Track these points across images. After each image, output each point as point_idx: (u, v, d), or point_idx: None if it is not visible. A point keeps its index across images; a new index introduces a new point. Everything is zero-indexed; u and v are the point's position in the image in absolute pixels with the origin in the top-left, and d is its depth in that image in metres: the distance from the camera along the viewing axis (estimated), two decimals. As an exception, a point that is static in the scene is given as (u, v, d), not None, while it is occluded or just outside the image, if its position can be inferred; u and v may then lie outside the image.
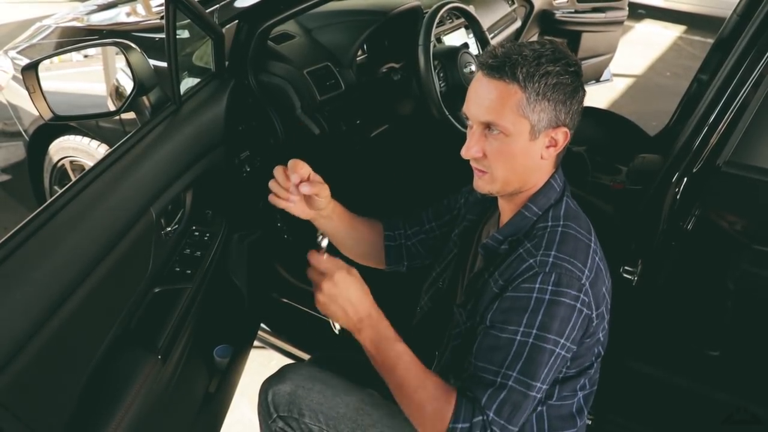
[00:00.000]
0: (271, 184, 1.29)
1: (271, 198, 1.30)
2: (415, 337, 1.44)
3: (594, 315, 1.15)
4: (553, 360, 1.11)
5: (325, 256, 1.15)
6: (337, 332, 1.20)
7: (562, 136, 1.17)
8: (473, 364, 1.14)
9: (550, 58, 1.11)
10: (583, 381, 1.26)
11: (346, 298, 1.13)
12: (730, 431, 1.68)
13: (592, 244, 1.18)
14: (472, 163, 1.21)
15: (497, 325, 1.13)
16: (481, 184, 1.22)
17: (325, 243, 1.20)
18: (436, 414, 1.09)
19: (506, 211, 1.28)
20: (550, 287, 1.10)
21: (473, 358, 1.15)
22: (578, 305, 1.11)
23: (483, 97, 1.14)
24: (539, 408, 1.24)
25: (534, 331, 1.09)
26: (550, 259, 1.12)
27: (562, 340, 1.10)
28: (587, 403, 1.31)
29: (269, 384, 1.45)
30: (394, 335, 1.15)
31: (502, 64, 1.11)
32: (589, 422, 1.72)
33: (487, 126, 1.15)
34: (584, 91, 1.18)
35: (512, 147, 1.14)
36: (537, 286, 1.11)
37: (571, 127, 1.17)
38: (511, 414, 1.09)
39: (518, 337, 1.10)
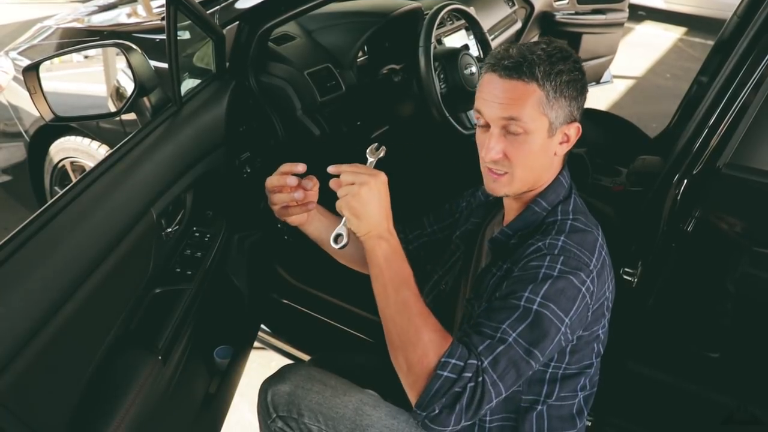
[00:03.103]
0: (276, 198, 1.29)
1: (280, 212, 1.30)
2: None
3: (591, 306, 1.14)
4: (556, 336, 1.08)
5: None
6: (337, 247, 1.15)
7: (575, 131, 1.19)
8: (474, 321, 1.11)
9: (560, 57, 1.14)
10: (583, 381, 1.25)
11: (380, 204, 1.10)
12: (730, 432, 1.69)
13: (599, 239, 1.19)
14: (489, 165, 1.19)
15: (502, 295, 1.11)
16: (497, 187, 1.21)
17: (380, 154, 1.20)
18: (432, 343, 1.04)
19: (512, 209, 1.28)
20: (558, 266, 1.09)
21: (475, 318, 1.12)
22: (583, 289, 1.10)
23: (501, 96, 1.13)
24: (539, 407, 1.23)
25: (539, 299, 1.07)
26: (560, 243, 1.12)
27: (567, 319, 1.08)
28: (587, 405, 1.30)
29: (269, 384, 1.45)
30: (405, 255, 1.13)
31: (518, 64, 1.12)
32: (589, 423, 1.72)
33: (505, 126, 1.14)
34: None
35: (532, 145, 1.15)
36: (546, 263, 1.10)
37: (580, 122, 1.20)
38: (505, 372, 1.04)
39: (522, 303, 1.07)
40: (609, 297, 1.21)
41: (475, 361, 1.03)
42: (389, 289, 1.09)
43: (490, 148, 1.16)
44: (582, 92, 1.18)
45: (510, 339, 1.05)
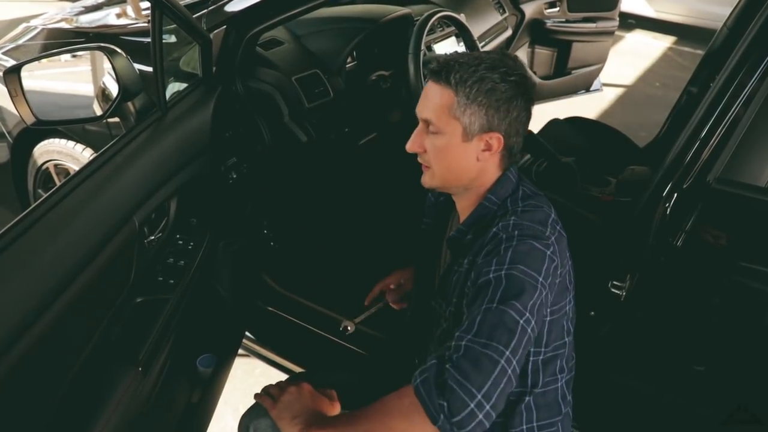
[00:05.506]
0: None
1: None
2: (409, 335, 1.46)
3: (560, 270, 1.17)
4: (534, 293, 1.09)
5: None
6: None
7: (496, 141, 1.22)
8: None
9: (489, 66, 1.19)
10: (560, 363, 1.26)
11: (292, 413, 1.22)
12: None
13: (552, 214, 1.23)
14: (418, 158, 1.28)
15: (472, 282, 1.16)
16: (424, 179, 1.29)
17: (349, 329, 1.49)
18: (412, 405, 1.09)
19: (465, 209, 1.31)
20: (515, 234, 1.14)
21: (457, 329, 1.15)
22: (548, 253, 1.14)
23: (427, 98, 1.23)
24: (526, 398, 1.24)
25: (506, 265, 1.10)
26: (512, 221, 1.17)
27: (540, 278, 1.10)
28: (569, 389, 1.31)
29: (249, 418, 1.42)
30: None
31: (440, 69, 1.20)
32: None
33: (427, 124, 1.23)
34: (528, 100, 1.23)
35: (446, 145, 1.22)
36: (504, 240, 1.14)
37: (512, 134, 1.22)
38: (473, 371, 1.03)
39: (491, 276, 1.11)
40: (570, 272, 1.24)
41: (435, 361, 1.07)
42: None
43: (411, 141, 1.26)
44: (507, 104, 1.19)
45: (474, 344, 1.05)
